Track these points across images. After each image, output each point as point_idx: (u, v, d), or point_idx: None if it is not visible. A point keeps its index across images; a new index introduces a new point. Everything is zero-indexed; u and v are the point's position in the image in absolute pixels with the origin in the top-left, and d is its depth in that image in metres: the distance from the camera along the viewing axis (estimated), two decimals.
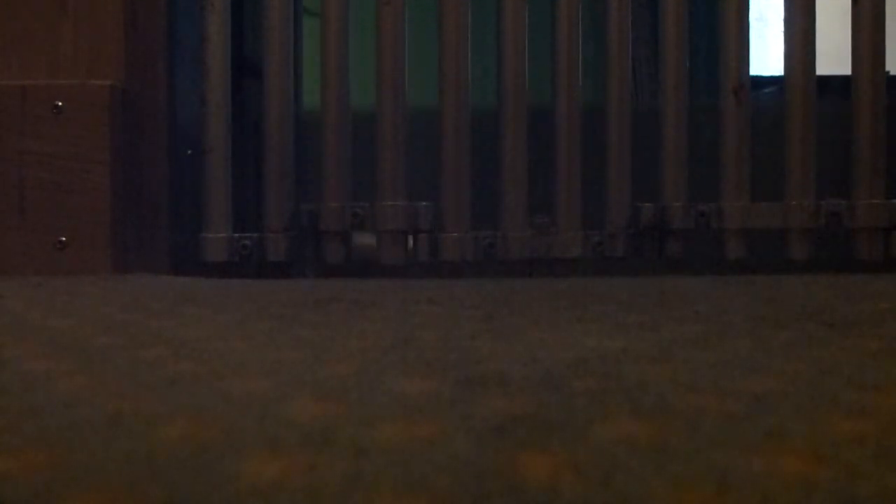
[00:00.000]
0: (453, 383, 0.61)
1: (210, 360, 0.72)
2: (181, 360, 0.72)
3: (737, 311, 1.09)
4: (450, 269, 1.93)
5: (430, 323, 0.97)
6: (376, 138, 1.88)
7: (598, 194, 1.90)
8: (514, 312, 1.09)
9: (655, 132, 1.91)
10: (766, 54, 3.01)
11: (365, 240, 1.89)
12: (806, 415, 0.51)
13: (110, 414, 0.52)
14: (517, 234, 1.86)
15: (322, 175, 1.88)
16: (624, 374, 0.64)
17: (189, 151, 1.98)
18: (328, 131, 1.87)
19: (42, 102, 1.86)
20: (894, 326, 0.94)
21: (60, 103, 1.86)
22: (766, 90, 2.35)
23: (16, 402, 0.57)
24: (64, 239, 1.85)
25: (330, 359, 0.72)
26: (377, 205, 1.86)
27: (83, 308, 1.16)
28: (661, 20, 1.90)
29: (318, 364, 0.69)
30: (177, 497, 0.37)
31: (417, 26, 2.05)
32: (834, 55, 2.19)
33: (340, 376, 0.64)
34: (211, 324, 0.98)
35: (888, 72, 1.94)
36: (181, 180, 1.97)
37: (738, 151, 1.87)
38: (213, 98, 1.90)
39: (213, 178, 1.89)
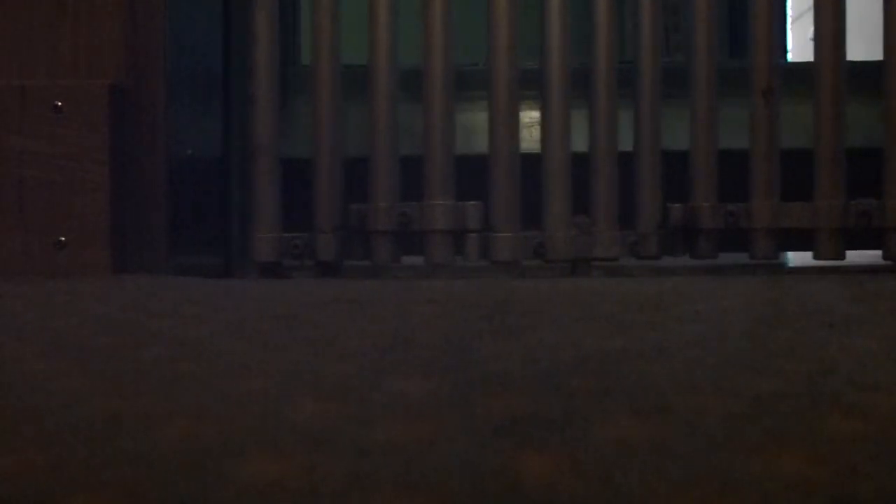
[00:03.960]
0: (453, 383, 0.61)
1: (210, 360, 0.72)
2: (181, 360, 0.72)
3: (737, 311, 1.09)
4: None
5: (430, 323, 0.97)
6: (424, 137, 1.87)
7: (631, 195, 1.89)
8: (514, 312, 1.09)
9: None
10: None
11: None
12: (806, 415, 0.51)
13: (110, 414, 0.52)
14: (563, 235, 1.85)
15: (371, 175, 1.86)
16: (624, 374, 0.64)
17: (189, 151, 1.98)
18: (377, 133, 1.86)
19: (42, 102, 1.86)
20: (894, 326, 0.94)
21: (60, 103, 1.86)
22: None
23: (16, 402, 0.57)
24: (63, 239, 1.85)
25: (330, 359, 0.72)
26: (425, 204, 1.85)
27: (83, 308, 1.16)
28: (692, 19, 1.90)
29: (318, 364, 0.69)
30: (177, 497, 0.37)
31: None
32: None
33: (340, 376, 0.64)
34: (211, 324, 0.98)
35: None
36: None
37: (768, 152, 1.87)
38: (262, 96, 1.88)
39: (263, 177, 1.88)
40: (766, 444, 0.44)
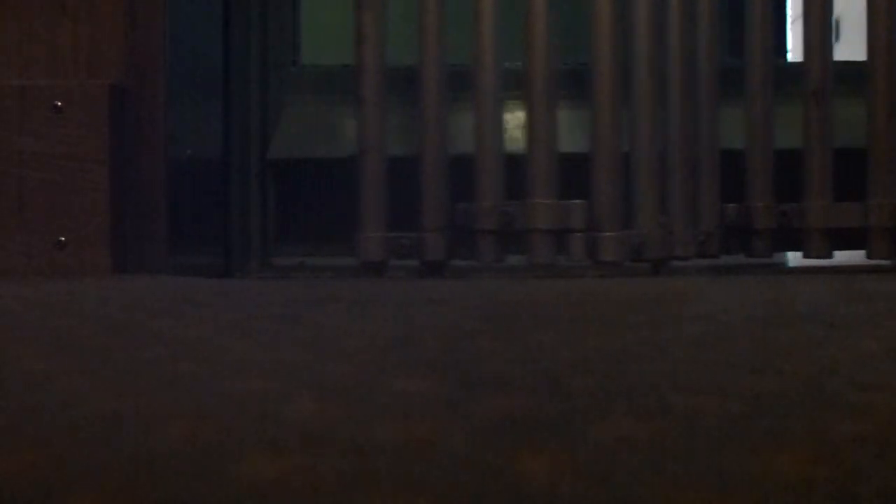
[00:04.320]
0: (453, 383, 0.61)
1: (210, 360, 0.72)
2: (181, 360, 0.72)
3: (737, 311, 1.09)
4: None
5: (430, 323, 0.97)
6: (526, 136, 1.85)
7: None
8: (514, 312, 1.09)
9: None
10: None
11: None
12: (806, 415, 0.51)
13: (110, 414, 0.52)
14: (656, 234, 1.84)
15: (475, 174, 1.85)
16: (624, 374, 0.64)
17: (189, 151, 1.98)
18: (481, 132, 1.85)
19: (42, 102, 1.86)
20: (894, 326, 0.94)
21: (60, 103, 1.86)
22: None
23: (16, 402, 0.57)
24: (63, 239, 1.85)
25: (330, 359, 0.72)
26: (528, 203, 1.83)
27: (83, 308, 1.16)
28: (746, 24, 1.91)
29: (318, 364, 0.69)
30: (177, 497, 0.37)
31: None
32: None
33: (340, 376, 0.64)
34: (211, 324, 0.98)
35: None
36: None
37: (820, 152, 1.87)
38: (370, 97, 1.88)
39: (370, 177, 1.88)
40: (766, 444, 0.44)
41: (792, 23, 4.02)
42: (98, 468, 0.41)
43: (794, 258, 2.08)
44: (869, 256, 1.89)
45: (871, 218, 1.86)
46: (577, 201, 1.84)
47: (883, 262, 1.89)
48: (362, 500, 0.36)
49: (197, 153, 1.96)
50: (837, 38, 3.94)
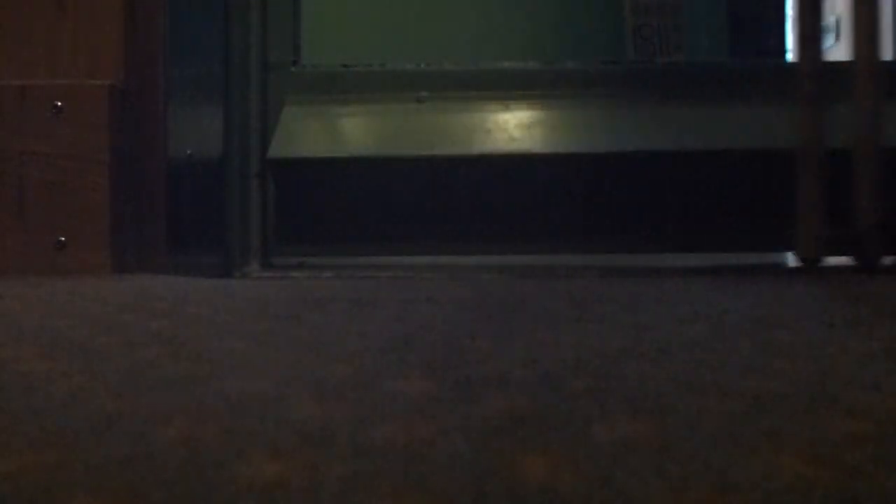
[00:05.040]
0: (453, 383, 0.61)
1: (210, 360, 0.72)
2: (181, 360, 0.72)
3: (737, 311, 1.09)
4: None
5: (430, 323, 0.97)
6: None
7: None
8: (515, 312, 1.09)
9: None
10: None
11: None
12: (806, 415, 0.51)
13: (110, 414, 0.52)
14: None
15: None
16: (624, 374, 0.64)
17: (189, 151, 1.98)
18: None
19: (42, 102, 1.86)
20: (894, 326, 0.94)
21: (60, 103, 1.86)
22: None
23: (16, 403, 0.57)
24: (63, 239, 1.85)
25: (330, 359, 0.72)
26: None
27: (83, 308, 1.16)
28: None
29: (318, 364, 0.69)
30: (177, 497, 0.37)
31: None
32: None
33: (340, 376, 0.64)
34: (211, 324, 0.98)
35: None
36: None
37: None
38: (810, 94, 1.85)
39: (809, 174, 1.85)
40: (766, 444, 0.44)
41: (793, 22, 4.01)
42: (98, 468, 0.41)
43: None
44: None
45: None
46: None
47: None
48: (362, 501, 0.36)
49: (197, 153, 1.96)
50: (838, 37, 3.94)
